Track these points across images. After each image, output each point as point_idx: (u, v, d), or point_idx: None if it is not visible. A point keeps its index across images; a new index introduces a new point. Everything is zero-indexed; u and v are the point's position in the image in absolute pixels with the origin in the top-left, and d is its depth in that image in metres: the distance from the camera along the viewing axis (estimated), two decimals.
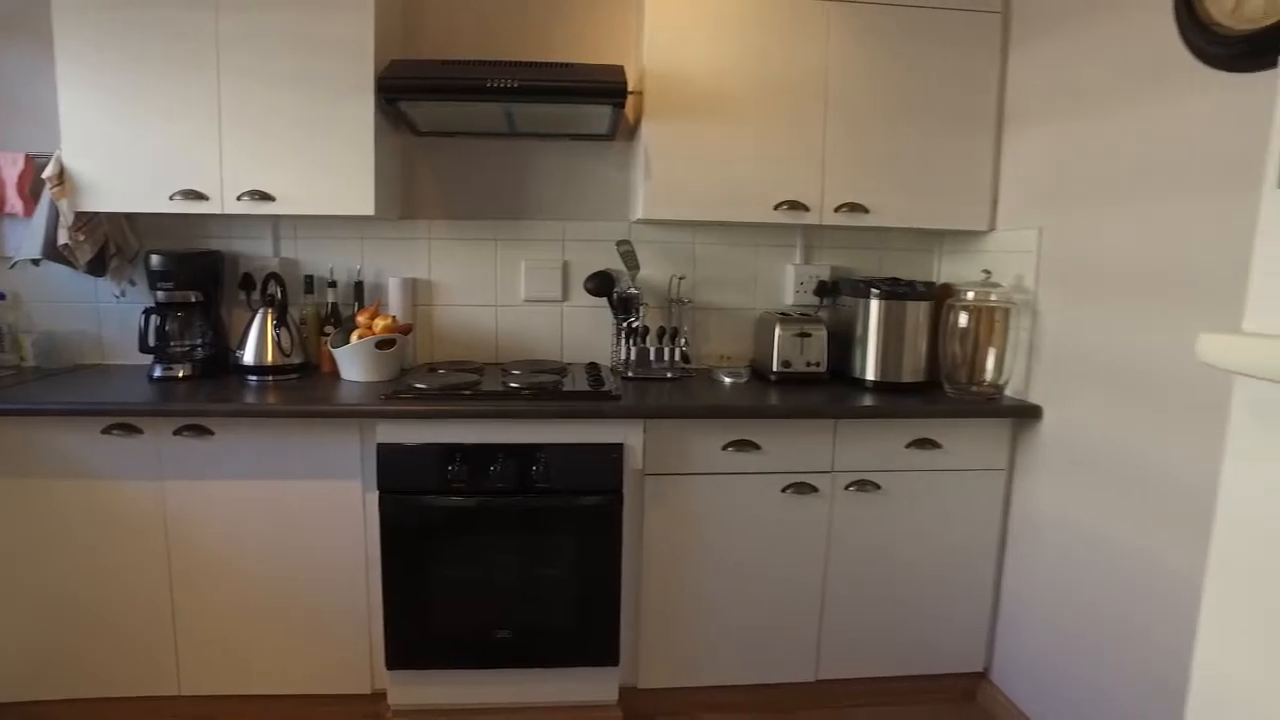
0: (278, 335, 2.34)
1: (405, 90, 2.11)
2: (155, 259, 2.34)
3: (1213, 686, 0.98)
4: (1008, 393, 2.32)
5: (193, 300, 2.39)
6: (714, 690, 2.29)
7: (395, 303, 2.56)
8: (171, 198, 2.18)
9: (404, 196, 2.61)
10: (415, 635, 2.10)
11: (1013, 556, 2.31)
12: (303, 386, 2.24)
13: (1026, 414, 2.20)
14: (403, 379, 2.29)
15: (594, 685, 2.19)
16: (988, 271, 2.35)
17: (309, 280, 2.56)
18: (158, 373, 2.32)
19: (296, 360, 2.38)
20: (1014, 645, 2.30)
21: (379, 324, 2.34)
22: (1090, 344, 1.99)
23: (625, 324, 2.49)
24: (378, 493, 2.04)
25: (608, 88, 2.11)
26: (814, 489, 2.20)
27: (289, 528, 2.09)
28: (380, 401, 2.03)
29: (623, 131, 2.57)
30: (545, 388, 2.17)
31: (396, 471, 2.03)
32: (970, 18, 2.35)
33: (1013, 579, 2.31)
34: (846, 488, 2.22)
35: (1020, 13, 2.32)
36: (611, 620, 2.14)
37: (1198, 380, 1.66)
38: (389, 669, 2.11)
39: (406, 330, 2.45)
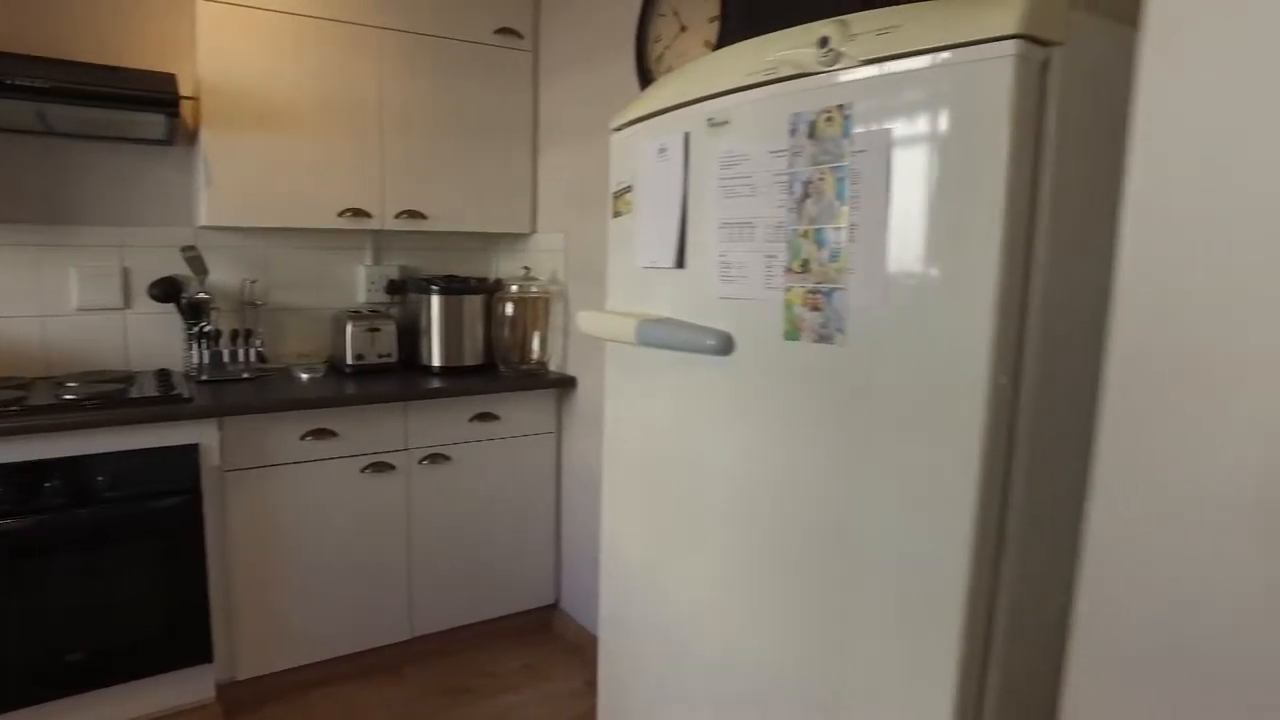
0: None
1: None
2: None
3: (610, 539, 1.48)
4: (551, 368, 2.82)
5: None
6: (321, 665, 2.43)
7: None
8: None
9: None
10: None
11: (566, 503, 2.81)
12: None
13: (565, 384, 2.71)
14: None
15: (189, 687, 2.21)
16: (527, 268, 2.83)
17: None
18: None
19: None
20: (574, 576, 2.81)
21: None
22: None
23: (196, 329, 2.50)
24: None
25: (156, 97, 2.11)
26: (391, 466, 2.46)
27: None
28: None
29: (183, 137, 2.54)
30: (109, 397, 2.13)
31: None
32: (507, 53, 2.77)
33: (568, 522, 2.81)
34: (420, 462, 2.52)
35: (545, 53, 2.81)
36: (201, 619, 2.18)
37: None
38: None
39: None
